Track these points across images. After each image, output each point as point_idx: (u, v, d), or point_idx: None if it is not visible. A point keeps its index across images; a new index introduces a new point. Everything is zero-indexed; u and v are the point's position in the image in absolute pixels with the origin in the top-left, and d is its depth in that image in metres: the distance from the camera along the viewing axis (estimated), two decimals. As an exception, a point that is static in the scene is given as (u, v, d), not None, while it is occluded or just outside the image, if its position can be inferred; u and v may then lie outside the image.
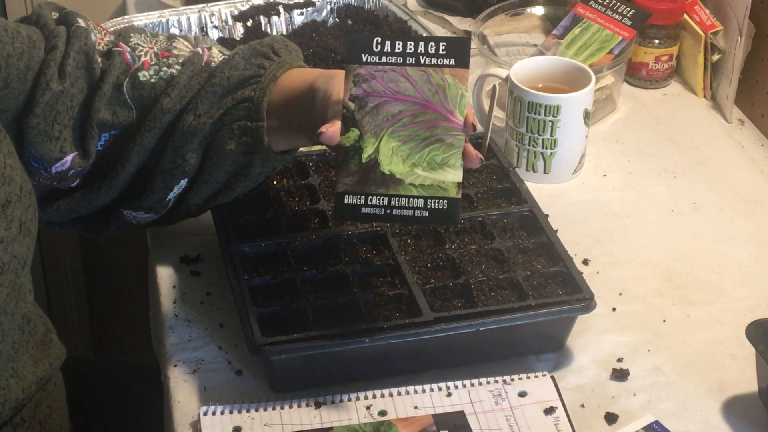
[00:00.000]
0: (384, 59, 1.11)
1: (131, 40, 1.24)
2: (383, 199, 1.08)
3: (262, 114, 1.17)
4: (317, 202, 1.31)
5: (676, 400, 1.16)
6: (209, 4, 1.68)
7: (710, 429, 1.13)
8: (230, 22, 1.68)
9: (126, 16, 1.66)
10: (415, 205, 1.08)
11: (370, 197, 1.08)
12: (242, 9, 1.68)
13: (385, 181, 1.08)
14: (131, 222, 1.26)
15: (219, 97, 1.20)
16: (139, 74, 1.21)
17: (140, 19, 1.64)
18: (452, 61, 1.10)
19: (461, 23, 1.77)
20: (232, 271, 1.21)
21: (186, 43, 1.25)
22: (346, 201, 1.08)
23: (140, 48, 1.23)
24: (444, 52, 1.10)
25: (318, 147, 1.31)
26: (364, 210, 1.08)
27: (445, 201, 1.07)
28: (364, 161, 1.08)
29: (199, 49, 1.24)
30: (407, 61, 1.10)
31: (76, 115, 1.19)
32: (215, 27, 1.67)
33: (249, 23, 1.68)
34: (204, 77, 1.21)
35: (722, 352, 1.22)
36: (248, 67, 1.20)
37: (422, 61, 1.10)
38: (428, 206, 1.08)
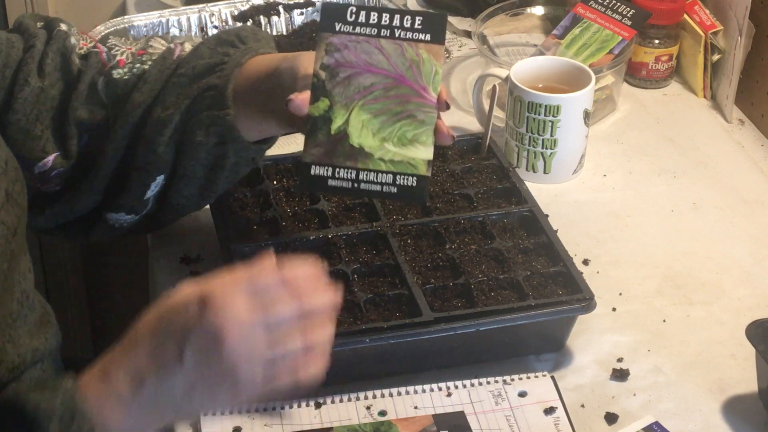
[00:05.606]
0: (358, 29, 1.09)
1: (110, 41, 1.24)
2: (351, 173, 1.07)
3: (228, 101, 1.16)
4: (317, 202, 1.31)
5: (676, 400, 1.16)
6: (209, 4, 1.68)
7: (710, 429, 1.13)
8: (230, 22, 1.67)
9: (126, 17, 1.65)
10: (383, 181, 1.07)
11: (338, 169, 1.07)
12: (242, 9, 1.68)
13: (353, 154, 1.07)
14: (114, 225, 1.25)
15: (185, 87, 1.19)
16: (113, 72, 1.21)
17: (140, 20, 1.63)
18: (428, 37, 1.09)
19: (461, 23, 1.77)
20: (232, 271, 1.20)
21: (162, 41, 1.25)
22: (312, 172, 1.07)
23: (117, 48, 1.23)
24: (420, 27, 1.09)
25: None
26: (331, 182, 1.07)
27: (414, 178, 1.07)
28: (333, 132, 1.07)
29: (172, 45, 1.23)
30: (382, 33, 1.09)
31: (56, 115, 1.20)
32: (215, 27, 1.67)
33: (249, 23, 1.68)
34: (172, 69, 1.20)
35: (722, 352, 1.22)
36: (213, 56, 1.19)
37: (397, 35, 1.09)
38: (397, 182, 1.07)
